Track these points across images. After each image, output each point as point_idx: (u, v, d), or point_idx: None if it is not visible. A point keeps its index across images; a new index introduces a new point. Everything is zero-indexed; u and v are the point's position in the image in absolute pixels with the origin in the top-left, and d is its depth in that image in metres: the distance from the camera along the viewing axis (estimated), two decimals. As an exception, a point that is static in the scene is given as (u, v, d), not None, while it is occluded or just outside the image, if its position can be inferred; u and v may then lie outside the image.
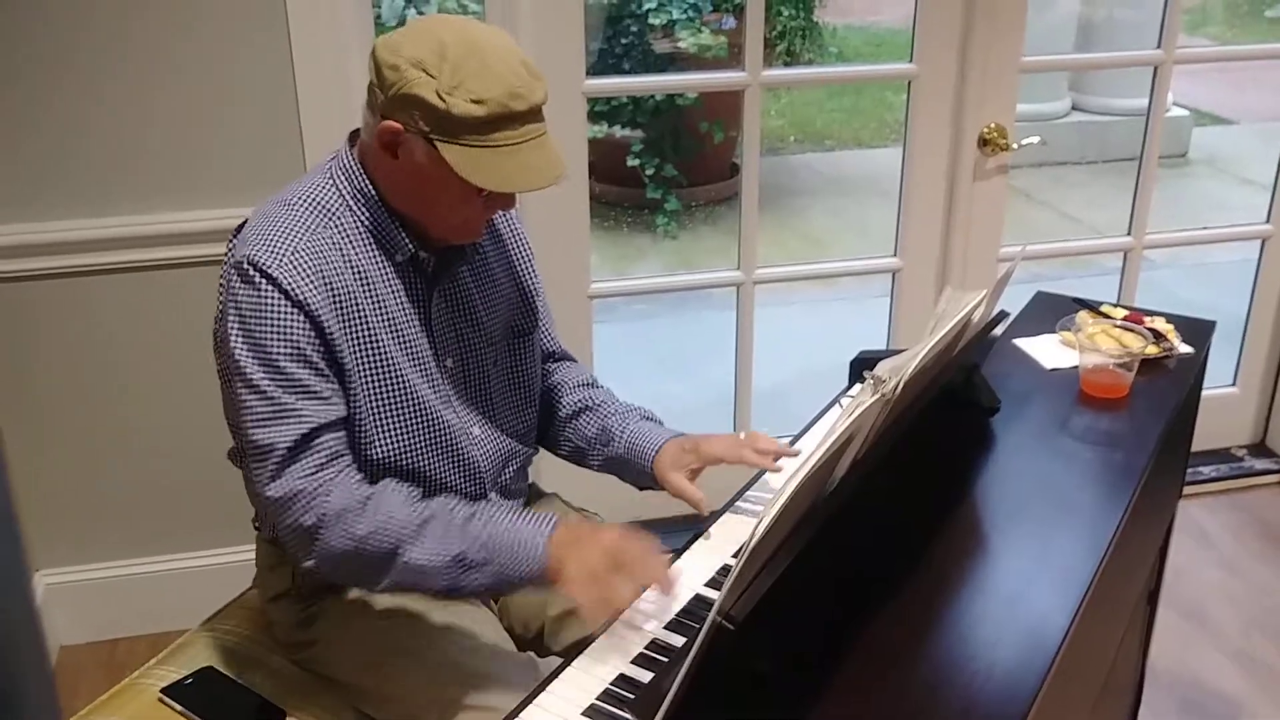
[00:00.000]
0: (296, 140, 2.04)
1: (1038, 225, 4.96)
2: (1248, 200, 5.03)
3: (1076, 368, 1.59)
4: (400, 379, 1.30)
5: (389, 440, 1.31)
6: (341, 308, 1.25)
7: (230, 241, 1.30)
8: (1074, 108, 5.89)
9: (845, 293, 4.08)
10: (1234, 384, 2.88)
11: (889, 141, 6.05)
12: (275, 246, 1.23)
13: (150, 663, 1.45)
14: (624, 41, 5.14)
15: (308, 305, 1.22)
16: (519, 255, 1.47)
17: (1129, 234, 2.68)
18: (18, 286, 2.03)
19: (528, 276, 1.47)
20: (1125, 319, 1.69)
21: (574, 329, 2.31)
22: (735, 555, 1.32)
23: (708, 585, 1.29)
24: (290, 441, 1.22)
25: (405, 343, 1.31)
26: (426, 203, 1.27)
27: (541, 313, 1.51)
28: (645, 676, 1.14)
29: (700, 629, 0.94)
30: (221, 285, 1.27)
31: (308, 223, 1.26)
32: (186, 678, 1.40)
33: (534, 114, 1.21)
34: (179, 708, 1.36)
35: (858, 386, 1.62)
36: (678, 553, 1.35)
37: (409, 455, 1.33)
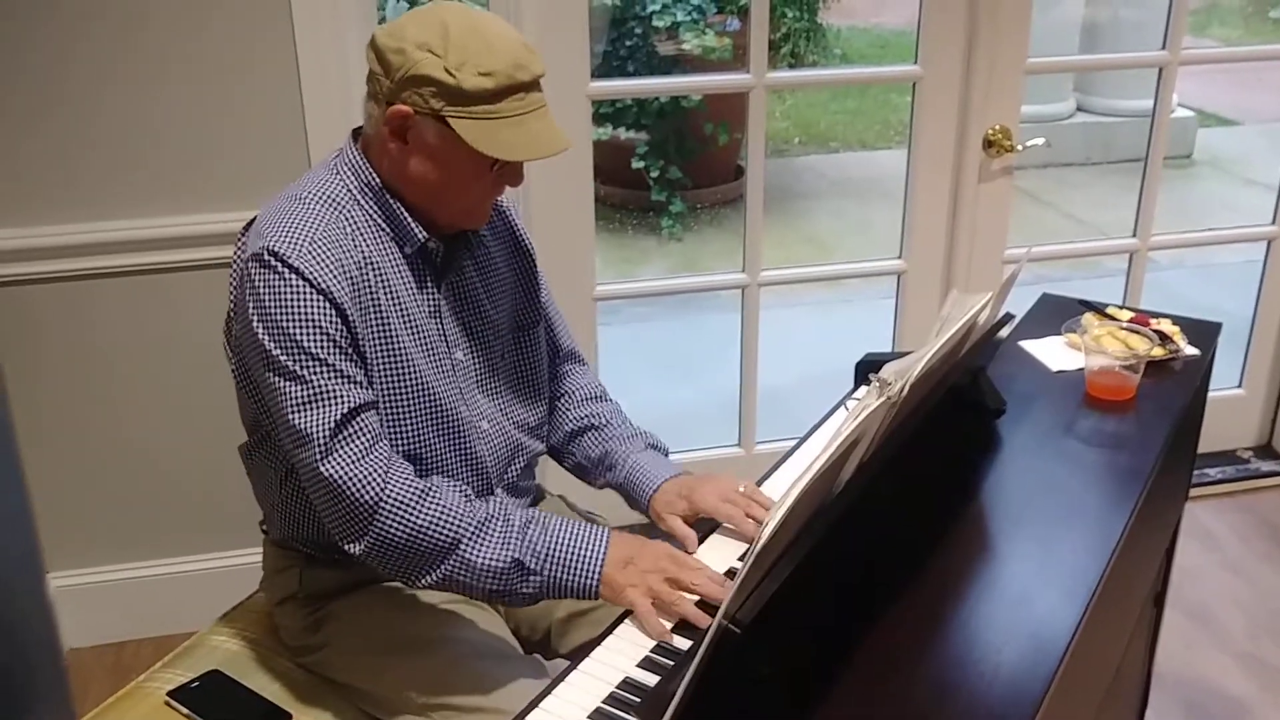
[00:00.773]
0: (301, 144, 2.04)
1: (1043, 227, 4.96)
2: (1253, 201, 5.01)
3: (1082, 370, 1.59)
4: (414, 370, 1.31)
5: (400, 431, 1.31)
6: (359, 297, 1.26)
7: (240, 239, 1.31)
8: (1079, 109, 5.88)
9: (850, 295, 4.08)
10: (1240, 386, 2.87)
11: (893, 143, 6.04)
12: (293, 237, 1.23)
13: (156, 666, 1.45)
14: (628, 44, 5.14)
15: (330, 292, 1.23)
16: (520, 250, 1.48)
17: (1134, 235, 2.67)
18: (21, 290, 2.04)
19: (530, 271, 1.48)
20: (1131, 321, 1.68)
21: (578, 331, 2.30)
22: (741, 559, 1.32)
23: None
24: (332, 423, 1.22)
25: (418, 334, 1.32)
26: (438, 186, 1.28)
27: (548, 308, 1.51)
28: (651, 680, 1.14)
29: (706, 633, 0.94)
30: (235, 281, 1.28)
31: (320, 215, 1.27)
32: (192, 681, 1.40)
33: (536, 85, 1.26)
34: (185, 711, 1.36)
35: (863, 389, 1.62)
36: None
37: (419, 447, 1.33)
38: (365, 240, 1.29)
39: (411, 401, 1.31)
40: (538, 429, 1.49)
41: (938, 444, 1.41)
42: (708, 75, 4.90)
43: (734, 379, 2.58)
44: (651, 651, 1.19)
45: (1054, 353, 1.68)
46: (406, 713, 1.33)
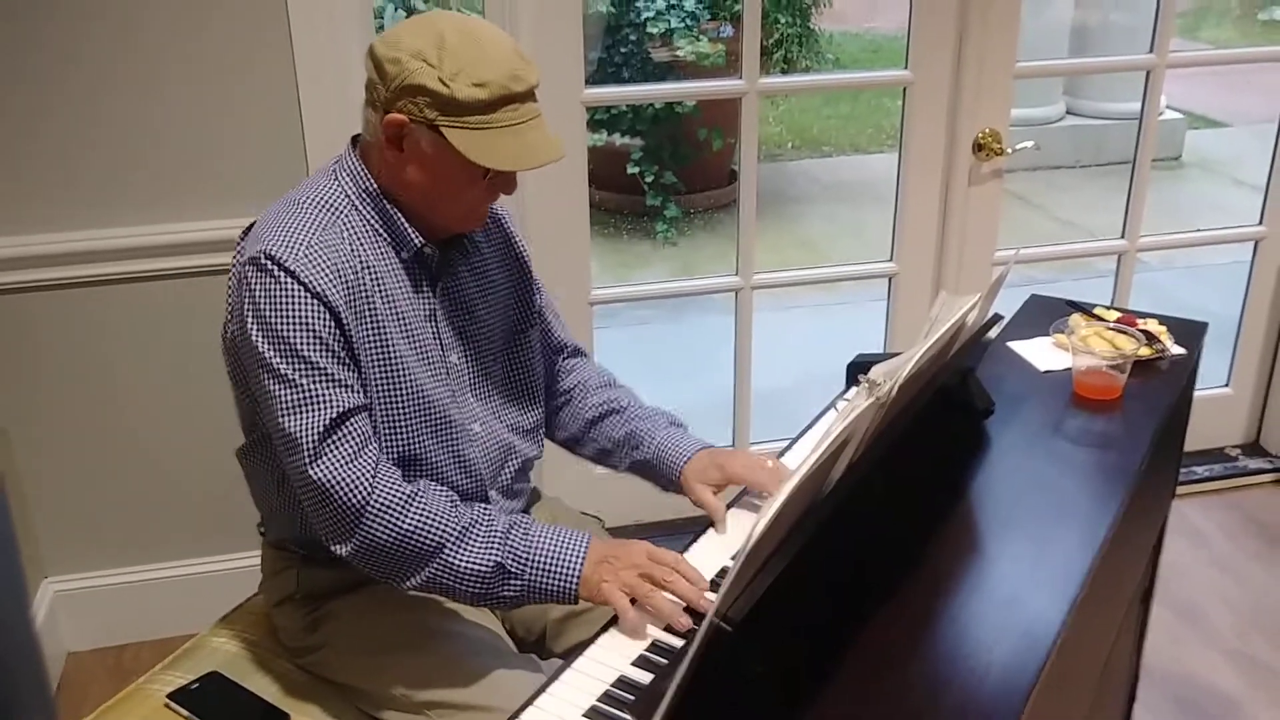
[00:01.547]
0: (299, 151, 2.06)
1: (1033, 229, 4.98)
2: (1241, 202, 5.05)
3: (1070, 370, 1.61)
4: (407, 374, 1.32)
5: (394, 434, 1.33)
6: (354, 302, 1.28)
7: (239, 244, 1.32)
8: (1069, 112, 5.91)
9: (843, 297, 4.10)
10: (1228, 385, 2.89)
11: (885, 147, 6.07)
12: (290, 242, 1.25)
13: (156, 668, 1.46)
14: (623, 50, 5.16)
15: (325, 297, 1.24)
16: (514, 254, 1.49)
17: (1123, 237, 2.70)
18: (19, 298, 2.05)
19: (524, 275, 1.49)
20: (1118, 321, 1.70)
21: (576, 335, 2.32)
22: (734, 558, 1.33)
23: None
24: (321, 427, 1.23)
25: (413, 338, 1.33)
26: (433, 192, 1.30)
27: (544, 310, 1.53)
28: (645, 678, 1.15)
29: (699, 630, 0.95)
30: (232, 285, 1.29)
31: (318, 220, 1.29)
32: (192, 683, 1.41)
33: (531, 95, 1.27)
34: (185, 713, 1.37)
35: (853, 390, 1.64)
36: (683, 549, 1.36)
37: (412, 449, 1.35)
38: (362, 245, 1.30)
39: (405, 404, 1.33)
40: (531, 432, 1.50)
41: (928, 444, 1.42)
42: (701, 81, 4.92)
43: (728, 381, 2.60)
44: (646, 650, 1.20)
45: (1042, 353, 1.70)
46: (403, 711, 1.34)
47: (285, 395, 1.24)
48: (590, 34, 5.00)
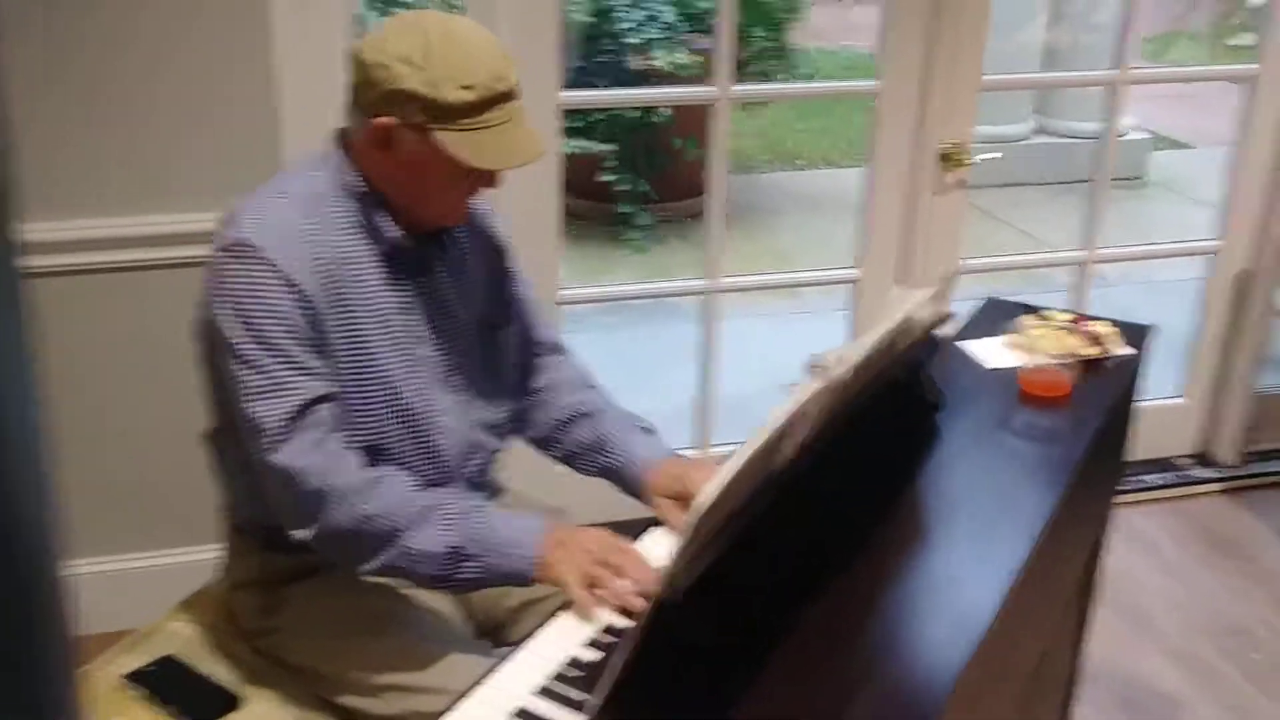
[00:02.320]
0: (275, 144, 2.05)
1: (997, 242, 5.06)
2: (1201, 221, 5.14)
3: (1017, 368, 1.65)
4: (378, 364, 1.34)
5: (362, 422, 1.34)
6: (328, 290, 1.29)
7: (218, 230, 1.34)
8: (1040, 130, 6.01)
9: (809, 306, 4.15)
10: (1181, 396, 2.95)
11: (857, 161, 6.14)
12: (266, 228, 1.27)
13: (111, 649, 1.46)
14: (601, 60, 5.20)
15: (298, 284, 1.26)
16: (495, 250, 1.51)
17: (1082, 248, 2.76)
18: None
19: (502, 270, 1.51)
20: (1067, 322, 1.75)
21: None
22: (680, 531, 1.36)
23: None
24: (287, 414, 1.24)
25: (386, 329, 1.35)
26: (418, 190, 1.33)
27: (525, 304, 1.54)
28: (597, 659, 1.18)
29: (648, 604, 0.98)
30: (208, 269, 1.30)
31: (297, 208, 1.30)
32: (148, 665, 1.42)
33: (514, 94, 1.29)
34: (142, 691, 1.38)
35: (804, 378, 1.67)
36: (634, 538, 1.39)
37: (380, 438, 1.36)
38: (341, 235, 1.32)
39: (375, 394, 1.34)
40: (499, 427, 1.51)
41: (878, 435, 1.45)
42: (675, 88, 4.95)
43: (693, 385, 2.62)
44: (599, 633, 1.22)
45: (993, 352, 1.74)
46: (357, 694, 1.35)
47: (253, 380, 1.25)
48: (570, 43, 5.05)
